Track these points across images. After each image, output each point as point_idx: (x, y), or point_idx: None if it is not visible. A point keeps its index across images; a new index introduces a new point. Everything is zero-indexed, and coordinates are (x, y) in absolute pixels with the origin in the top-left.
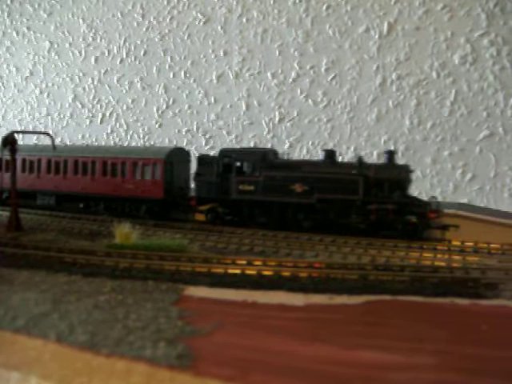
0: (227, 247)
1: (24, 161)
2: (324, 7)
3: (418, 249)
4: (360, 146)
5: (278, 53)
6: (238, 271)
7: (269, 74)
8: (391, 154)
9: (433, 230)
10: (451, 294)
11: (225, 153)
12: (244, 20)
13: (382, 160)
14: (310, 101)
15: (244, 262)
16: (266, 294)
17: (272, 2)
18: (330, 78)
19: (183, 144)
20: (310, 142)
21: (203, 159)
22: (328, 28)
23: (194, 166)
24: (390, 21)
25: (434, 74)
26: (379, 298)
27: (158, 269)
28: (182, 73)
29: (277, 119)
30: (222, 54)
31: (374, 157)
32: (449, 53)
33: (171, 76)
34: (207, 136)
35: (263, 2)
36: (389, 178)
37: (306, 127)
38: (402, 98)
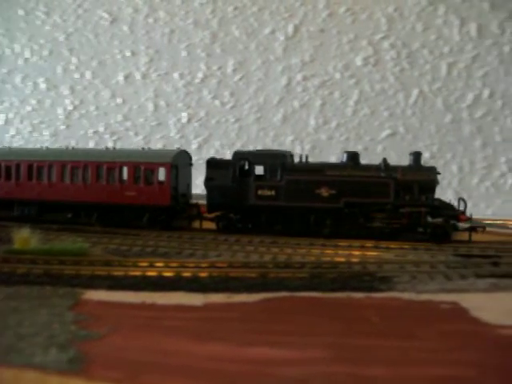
0: (131, 249)
1: None
2: (231, 8)
3: (320, 246)
4: (267, 145)
5: (185, 53)
6: (138, 273)
7: (176, 75)
8: (418, 156)
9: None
10: (348, 288)
11: (241, 156)
12: (151, 20)
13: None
14: (217, 101)
15: (146, 264)
16: (166, 295)
17: (179, 3)
18: (236, 79)
19: (90, 146)
20: (218, 143)
21: (215, 162)
22: (235, 29)
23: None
24: (296, 23)
25: (338, 75)
26: (278, 294)
27: (57, 273)
28: (89, 73)
29: (184, 120)
30: (129, 54)
31: None
32: (352, 54)
33: (77, 76)
34: (114, 137)
35: (170, 2)
36: (418, 181)
37: (213, 128)
38: (308, 99)
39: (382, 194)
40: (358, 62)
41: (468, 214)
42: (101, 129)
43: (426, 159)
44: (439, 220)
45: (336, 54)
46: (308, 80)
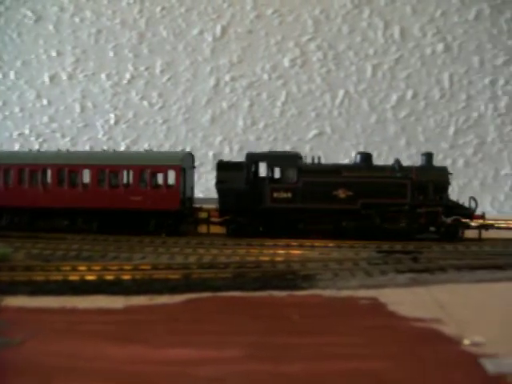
0: (54, 254)
1: None
2: (158, 9)
3: (245, 246)
4: (196, 146)
5: (112, 54)
6: (60, 278)
7: (103, 76)
8: (430, 156)
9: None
10: (270, 287)
11: (255, 158)
12: (77, 19)
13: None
14: (145, 102)
15: (68, 268)
16: (87, 299)
17: (106, 3)
18: (164, 80)
19: (15, 148)
20: (147, 144)
21: (226, 165)
22: (162, 29)
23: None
24: (223, 24)
25: (266, 76)
26: (201, 295)
27: None
28: (12, 73)
29: (112, 121)
30: (54, 54)
31: (209, 157)
32: (279, 56)
33: (0, 76)
34: (40, 139)
35: (97, 1)
36: (432, 181)
37: (141, 129)
38: (236, 99)
39: (400, 195)
40: (286, 63)
41: (480, 212)
42: (26, 131)
43: (353, 159)
44: (452, 219)
45: (264, 55)
46: (236, 81)
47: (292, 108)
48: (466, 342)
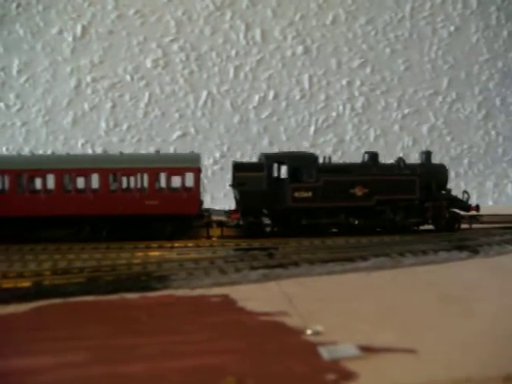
0: None
1: None
2: (14, 6)
3: (104, 249)
4: (57, 149)
5: None
6: None
7: None
8: (429, 154)
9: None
10: (123, 289)
11: (274, 159)
12: None
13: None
14: (1, 104)
15: None
16: None
17: None
18: (22, 81)
19: None
20: (4, 148)
21: (244, 166)
22: (19, 27)
23: None
24: (84, 23)
25: (128, 77)
26: (51, 302)
27: None
28: None
29: None
30: None
31: None
32: (141, 56)
33: None
34: None
35: None
36: (435, 177)
37: None
38: (98, 101)
39: (410, 191)
40: (148, 64)
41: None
42: None
43: (217, 159)
44: (451, 211)
45: (126, 56)
46: (98, 82)
47: (155, 109)
48: (308, 332)
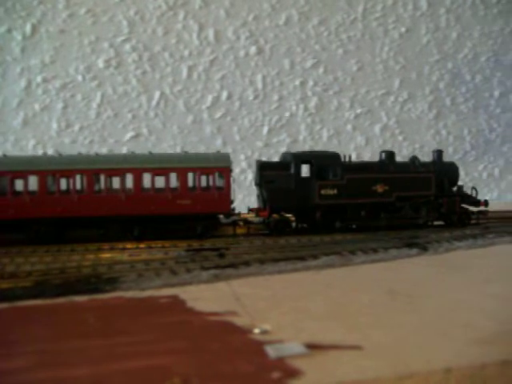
0: None
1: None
2: None
3: (54, 252)
4: (7, 151)
5: None
6: None
7: None
8: (440, 153)
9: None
10: (71, 292)
11: (302, 158)
12: None
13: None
14: None
15: None
16: None
17: None
18: None
19: None
20: None
21: (271, 165)
22: None
23: None
24: (34, 22)
25: (80, 77)
26: None
27: None
28: None
29: None
30: None
31: None
32: (93, 56)
33: None
34: None
35: None
36: (447, 174)
37: None
38: (49, 101)
39: (426, 188)
40: (100, 64)
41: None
42: None
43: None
44: (462, 207)
45: (77, 56)
46: (49, 82)
47: (108, 110)
48: (256, 331)
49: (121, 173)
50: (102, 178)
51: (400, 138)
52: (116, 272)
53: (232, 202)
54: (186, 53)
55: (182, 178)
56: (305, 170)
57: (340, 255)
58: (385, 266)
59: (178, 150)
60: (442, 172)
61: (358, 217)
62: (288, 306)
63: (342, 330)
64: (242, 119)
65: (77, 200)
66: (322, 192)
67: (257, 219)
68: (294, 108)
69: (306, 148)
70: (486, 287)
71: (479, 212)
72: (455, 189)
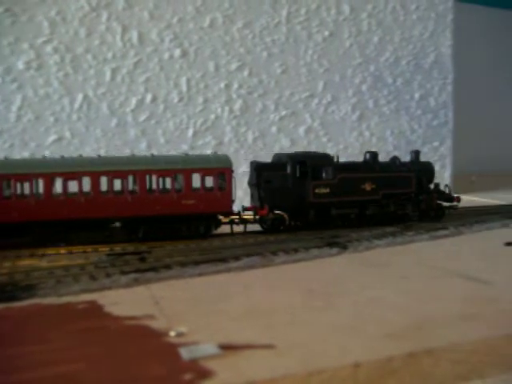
0: None
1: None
2: None
3: None
4: None
5: None
6: None
7: None
8: (418, 153)
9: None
10: None
11: (298, 159)
12: None
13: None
14: None
15: None
16: None
17: None
18: None
19: None
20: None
21: (268, 166)
22: None
23: None
24: None
25: (0, 80)
26: None
27: None
28: None
29: None
30: None
31: None
32: (13, 58)
33: None
34: None
35: None
36: (425, 173)
37: None
38: None
39: (408, 186)
40: (20, 65)
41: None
42: None
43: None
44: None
45: None
46: None
47: (28, 113)
48: (172, 333)
49: (126, 175)
50: (107, 180)
51: (324, 139)
52: (34, 279)
53: (233, 202)
54: (110, 55)
55: (187, 179)
56: (300, 171)
57: (262, 256)
58: (305, 266)
59: (102, 152)
60: (421, 171)
61: (347, 213)
62: (206, 308)
63: (257, 330)
64: (167, 122)
65: (84, 202)
66: (316, 191)
67: (252, 218)
68: (219, 110)
69: (232, 150)
70: (401, 283)
71: (450, 207)
72: (432, 186)
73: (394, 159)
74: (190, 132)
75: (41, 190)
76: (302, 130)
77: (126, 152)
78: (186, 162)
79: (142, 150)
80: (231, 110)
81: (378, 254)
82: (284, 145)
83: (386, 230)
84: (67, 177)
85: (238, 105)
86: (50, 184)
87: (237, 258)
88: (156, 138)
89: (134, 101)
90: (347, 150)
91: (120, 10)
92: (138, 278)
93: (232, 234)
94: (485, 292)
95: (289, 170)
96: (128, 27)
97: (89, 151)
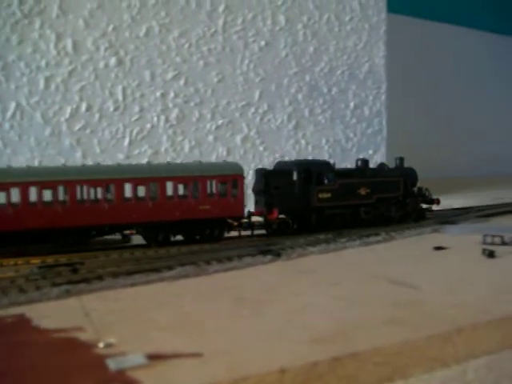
0: None
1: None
2: None
3: None
4: None
5: None
6: None
7: None
8: (402, 160)
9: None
10: None
11: (303, 166)
12: None
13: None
14: None
15: None
16: None
17: None
18: None
19: None
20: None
21: (275, 172)
22: None
23: None
24: None
25: None
26: None
27: None
28: None
29: None
30: None
31: None
32: None
33: None
34: None
35: None
36: (410, 178)
37: None
38: None
39: (397, 190)
40: None
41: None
42: None
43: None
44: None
45: None
46: None
47: None
48: (100, 345)
49: (148, 182)
50: (131, 187)
51: (261, 148)
52: None
53: (245, 207)
54: (43, 63)
55: (203, 186)
56: (305, 177)
57: (195, 265)
58: (237, 274)
59: (36, 162)
60: (406, 176)
61: (343, 215)
62: (136, 318)
63: (186, 339)
64: (103, 131)
65: (107, 208)
66: (320, 196)
67: (259, 222)
68: (155, 120)
69: (169, 159)
70: (332, 289)
71: (427, 209)
72: (416, 190)
73: (382, 165)
74: (126, 141)
75: (70, 197)
76: (238, 138)
77: (61, 161)
78: (202, 170)
79: (76, 159)
80: (167, 119)
81: (311, 261)
82: (220, 154)
83: (320, 237)
84: (92, 184)
85: (174, 114)
86: (75, 191)
87: (170, 268)
88: (91, 148)
89: (68, 110)
90: (283, 158)
91: (54, 18)
92: (70, 289)
93: (240, 236)
94: (411, 296)
95: (295, 176)
96: (62, 35)
97: (22, 161)
